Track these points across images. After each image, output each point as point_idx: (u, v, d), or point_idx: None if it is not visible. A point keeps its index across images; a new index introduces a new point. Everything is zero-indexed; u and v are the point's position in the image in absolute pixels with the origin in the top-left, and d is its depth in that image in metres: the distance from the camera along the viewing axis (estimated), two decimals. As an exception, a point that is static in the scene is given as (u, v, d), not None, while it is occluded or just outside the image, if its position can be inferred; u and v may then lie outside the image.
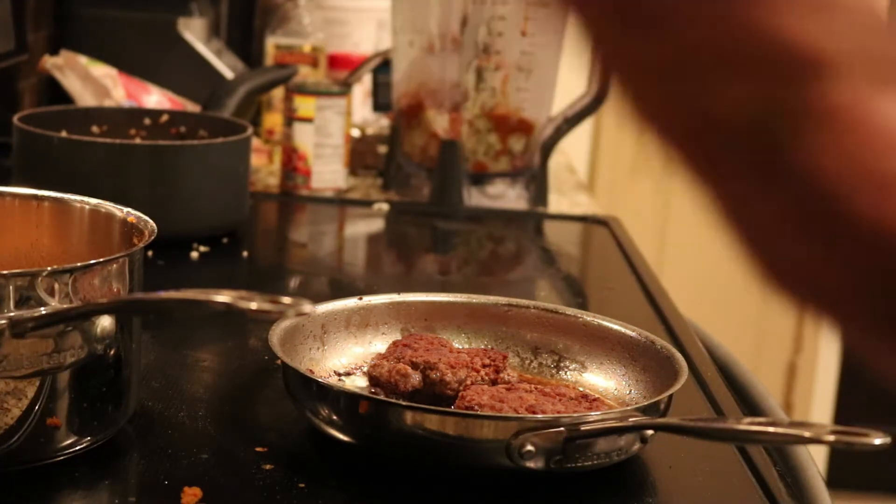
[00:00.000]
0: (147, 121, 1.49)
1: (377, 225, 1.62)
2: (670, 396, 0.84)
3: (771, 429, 0.75)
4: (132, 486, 0.79)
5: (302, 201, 1.63)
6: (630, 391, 0.91)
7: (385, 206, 1.62)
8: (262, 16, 2.14)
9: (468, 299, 1.00)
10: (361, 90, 2.01)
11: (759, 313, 3.00)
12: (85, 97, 1.71)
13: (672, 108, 0.38)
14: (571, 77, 1.82)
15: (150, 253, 1.26)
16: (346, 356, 0.95)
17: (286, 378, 0.86)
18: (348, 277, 1.41)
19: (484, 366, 0.89)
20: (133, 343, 0.82)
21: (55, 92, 1.75)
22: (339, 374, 0.93)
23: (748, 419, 0.77)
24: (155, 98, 1.75)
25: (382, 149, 1.81)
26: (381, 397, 0.86)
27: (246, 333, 1.07)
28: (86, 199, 0.91)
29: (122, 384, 0.81)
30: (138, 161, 1.32)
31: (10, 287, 0.73)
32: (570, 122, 1.68)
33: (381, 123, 1.97)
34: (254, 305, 0.68)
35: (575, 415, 0.80)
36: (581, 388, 0.92)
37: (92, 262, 0.77)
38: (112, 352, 0.79)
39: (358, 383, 0.92)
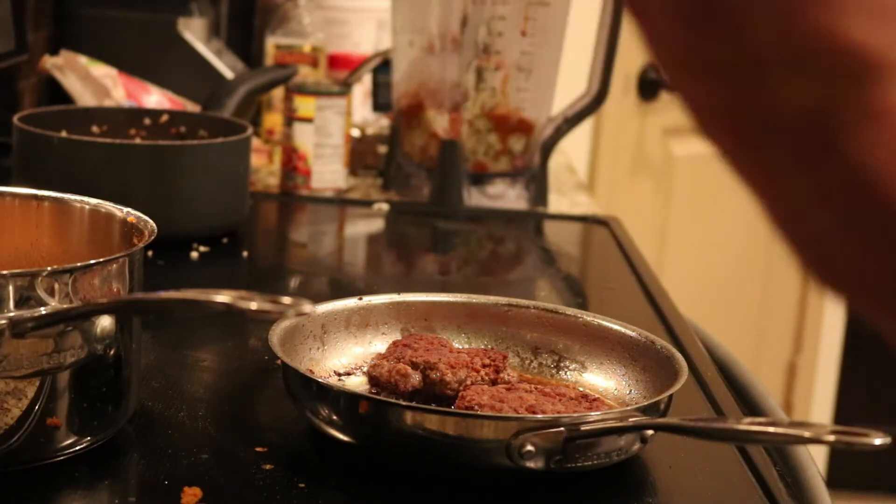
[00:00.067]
0: (147, 121, 1.49)
1: (377, 225, 1.62)
2: (670, 396, 0.84)
3: (771, 429, 0.75)
4: (132, 486, 0.79)
5: (302, 201, 1.63)
6: (630, 391, 0.92)
7: (385, 206, 1.62)
8: (262, 16, 2.14)
9: (468, 299, 1.00)
10: (361, 90, 2.01)
11: (759, 313, 3.00)
12: (85, 97, 1.71)
13: (727, 104, 0.39)
14: (571, 77, 1.82)
15: (150, 253, 1.26)
16: (346, 356, 0.95)
17: (286, 378, 0.86)
18: (348, 277, 1.41)
19: (484, 366, 0.89)
20: (133, 343, 0.82)
21: (55, 92, 1.75)
22: (339, 374, 0.93)
23: (748, 419, 0.77)
24: (155, 98, 1.75)
25: (382, 149, 1.81)
26: (382, 397, 0.86)
27: (246, 333, 1.07)
28: (86, 199, 0.91)
29: (122, 384, 0.81)
30: (138, 161, 1.32)
31: (10, 287, 0.73)
32: (570, 122, 1.68)
33: (381, 123, 1.97)
34: (254, 305, 0.68)
35: (575, 415, 0.80)
36: (581, 388, 0.92)
37: (92, 262, 0.77)
38: (112, 352, 0.79)
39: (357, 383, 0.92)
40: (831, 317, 3.07)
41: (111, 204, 0.90)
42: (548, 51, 1.62)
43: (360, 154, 1.80)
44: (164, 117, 1.50)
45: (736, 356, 1.35)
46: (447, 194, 1.62)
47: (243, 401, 0.95)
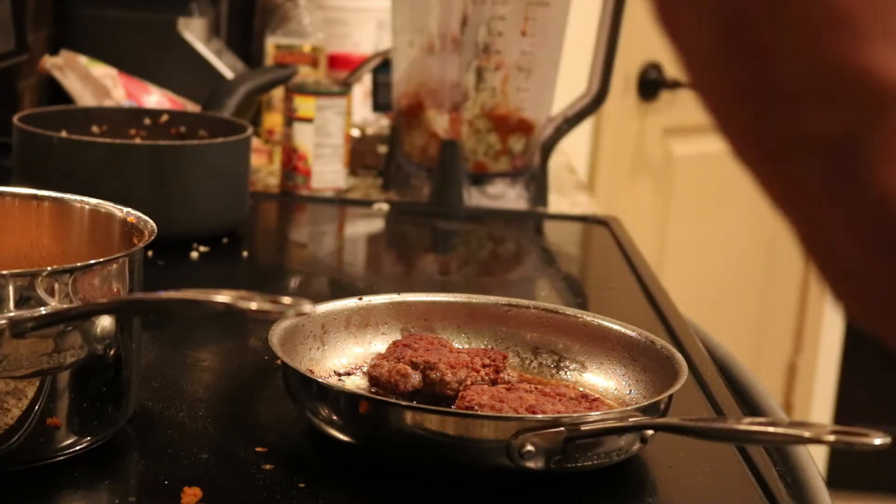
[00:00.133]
0: (147, 121, 1.49)
1: (377, 225, 1.62)
2: (670, 396, 0.84)
3: (771, 429, 0.75)
4: (132, 486, 0.79)
5: (302, 201, 1.63)
6: (630, 391, 0.92)
7: (385, 206, 1.62)
8: (262, 16, 2.14)
9: (468, 299, 1.00)
10: (361, 90, 2.01)
11: (759, 313, 3.00)
12: (85, 97, 1.71)
13: (754, 126, 0.39)
14: (571, 77, 1.82)
15: (150, 253, 1.26)
16: (346, 356, 0.95)
17: (286, 378, 0.86)
18: (348, 277, 1.41)
19: (484, 366, 0.89)
20: (133, 343, 0.82)
21: (55, 92, 1.75)
22: (339, 374, 0.93)
23: (748, 419, 0.77)
24: (155, 98, 1.75)
25: (382, 149, 1.81)
26: (382, 397, 0.86)
27: (246, 333, 1.07)
28: (86, 199, 0.91)
29: (122, 384, 0.81)
30: (138, 161, 1.32)
31: (10, 287, 0.73)
32: (570, 122, 1.68)
33: (381, 123, 1.97)
34: (254, 305, 0.68)
35: (575, 415, 0.80)
36: (581, 388, 0.92)
37: (92, 262, 0.77)
38: (112, 352, 0.79)
39: (358, 383, 0.92)
40: (831, 317, 3.07)
41: (111, 204, 0.90)
42: (548, 51, 1.62)
43: (360, 154, 1.80)
44: (164, 117, 1.50)
45: (736, 356, 1.35)
46: (447, 194, 1.62)
47: (243, 401, 0.95)
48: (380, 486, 0.79)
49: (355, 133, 1.82)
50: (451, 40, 1.59)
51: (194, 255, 1.32)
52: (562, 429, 0.77)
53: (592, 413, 0.81)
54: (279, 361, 0.86)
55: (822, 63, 0.36)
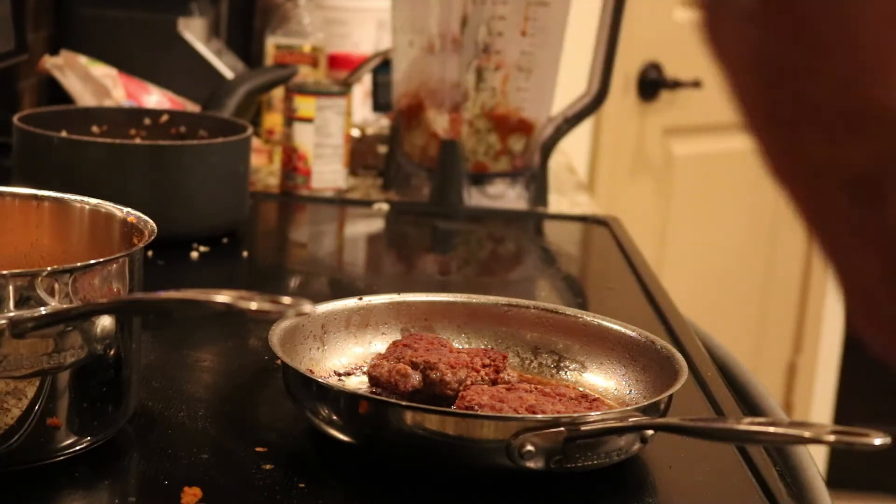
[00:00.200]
0: (147, 121, 1.49)
1: (377, 225, 1.62)
2: (670, 396, 0.84)
3: (771, 429, 0.75)
4: (132, 486, 0.79)
5: (302, 201, 1.63)
6: (630, 391, 0.91)
7: (385, 206, 1.62)
8: (262, 16, 2.14)
9: (468, 299, 1.00)
10: (361, 90, 2.01)
11: (759, 313, 3.00)
12: (85, 97, 1.71)
13: (788, 153, 0.41)
14: (571, 77, 1.82)
15: (150, 253, 1.26)
16: (346, 356, 0.95)
17: (286, 378, 0.86)
18: (348, 277, 1.41)
19: (484, 366, 0.89)
20: (133, 343, 0.82)
21: (55, 92, 1.75)
22: (339, 374, 0.93)
23: (748, 419, 0.77)
24: (155, 98, 1.75)
25: (382, 149, 1.81)
26: (382, 397, 0.86)
27: (246, 333, 1.07)
28: (86, 199, 0.91)
29: (122, 384, 0.81)
30: (138, 161, 1.32)
31: (10, 287, 0.73)
32: (570, 122, 1.68)
33: (381, 123, 1.97)
34: (254, 305, 0.68)
35: (575, 415, 0.80)
36: (581, 388, 0.92)
37: (92, 262, 0.77)
38: (112, 352, 0.79)
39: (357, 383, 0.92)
40: (831, 317, 3.07)
41: (111, 204, 0.90)
42: (548, 51, 1.62)
43: (360, 154, 1.80)
44: (164, 117, 1.50)
45: (736, 356, 1.35)
46: (447, 194, 1.62)
47: (243, 401, 0.95)
48: (380, 486, 0.79)
49: (355, 133, 1.82)
50: (451, 40, 1.59)
51: (194, 255, 1.32)
52: (562, 429, 0.77)
53: (592, 413, 0.81)
54: (279, 361, 0.86)
55: (854, 100, 0.38)
